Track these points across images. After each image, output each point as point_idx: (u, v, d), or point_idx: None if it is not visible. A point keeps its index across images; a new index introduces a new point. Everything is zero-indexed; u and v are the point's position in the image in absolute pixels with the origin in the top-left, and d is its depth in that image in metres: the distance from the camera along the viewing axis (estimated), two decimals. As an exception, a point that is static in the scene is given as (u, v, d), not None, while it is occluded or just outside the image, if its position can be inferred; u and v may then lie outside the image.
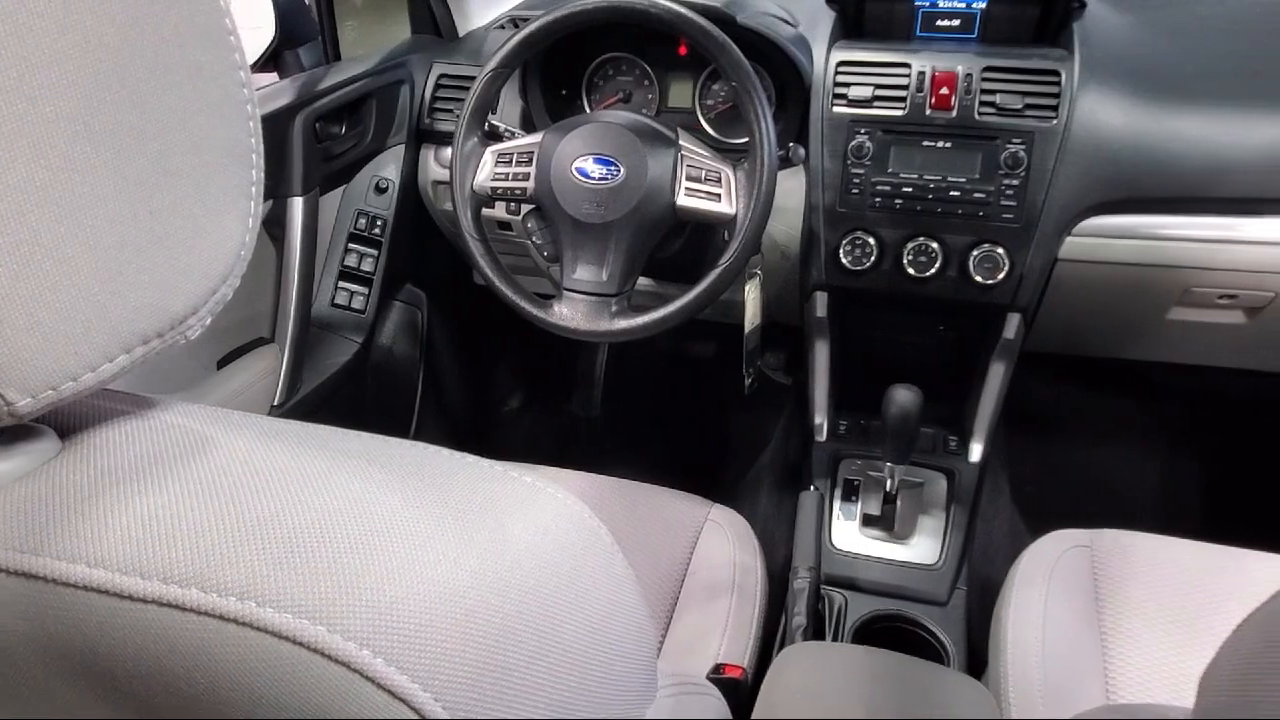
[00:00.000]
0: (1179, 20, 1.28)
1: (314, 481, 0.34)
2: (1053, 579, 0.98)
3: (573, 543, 0.39)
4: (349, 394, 1.37)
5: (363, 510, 0.34)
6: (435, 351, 1.58)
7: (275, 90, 1.24)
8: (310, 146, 1.20)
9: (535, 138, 1.11)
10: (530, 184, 1.10)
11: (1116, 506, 1.56)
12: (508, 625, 0.34)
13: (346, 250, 1.36)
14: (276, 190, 1.19)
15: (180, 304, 0.35)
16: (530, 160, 1.10)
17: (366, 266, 1.36)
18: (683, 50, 1.29)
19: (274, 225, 1.20)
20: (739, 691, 0.86)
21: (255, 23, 1.29)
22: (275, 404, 1.21)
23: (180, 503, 0.33)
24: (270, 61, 1.34)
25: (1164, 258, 1.13)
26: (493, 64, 1.09)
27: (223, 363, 1.19)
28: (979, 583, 1.22)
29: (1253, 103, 1.10)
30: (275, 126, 1.17)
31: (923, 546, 1.21)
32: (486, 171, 1.12)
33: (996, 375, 1.25)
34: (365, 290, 1.37)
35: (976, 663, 1.08)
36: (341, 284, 1.36)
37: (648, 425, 1.88)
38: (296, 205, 1.19)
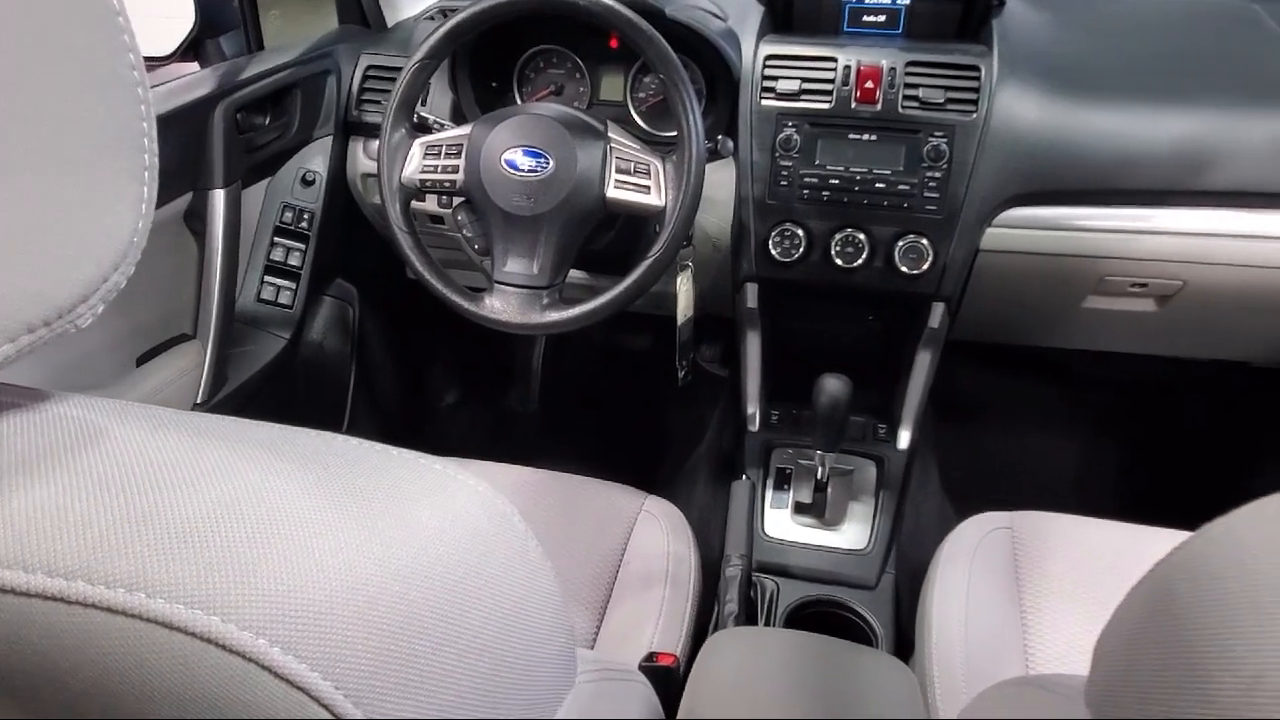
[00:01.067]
0: (1092, 18, 1.32)
1: (211, 471, 0.34)
2: (975, 560, 1.01)
3: (483, 529, 0.39)
4: (277, 391, 1.34)
5: (260, 499, 0.33)
6: (368, 347, 1.55)
7: (195, 80, 1.21)
8: (231, 137, 1.17)
9: (464, 130, 1.10)
10: (459, 176, 1.09)
11: (1040, 489, 1.61)
12: (413, 612, 0.34)
13: (272, 244, 1.33)
14: (196, 182, 1.15)
15: (68, 292, 0.34)
16: (459, 152, 1.10)
17: (294, 261, 1.34)
18: (614, 43, 1.29)
19: (194, 219, 1.17)
20: (671, 679, 0.87)
21: (172, 11, 1.25)
22: (198, 402, 1.18)
23: (68, 494, 0.32)
24: (190, 50, 1.31)
25: (1079, 248, 1.17)
26: (419, 55, 1.07)
27: (142, 360, 1.15)
28: (909, 566, 1.24)
29: (1161, 98, 1.14)
30: (194, 117, 1.14)
31: (852, 532, 1.23)
32: (415, 164, 1.10)
33: (923, 364, 1.28)
34: (292, 285, 1.34)
35: (906, 643, 1.11)
36: (268, 279, 1.33)
37: (585, 418, 1.88)
38: (218, 198, 1.16)
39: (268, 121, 1.27)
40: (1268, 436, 1.52)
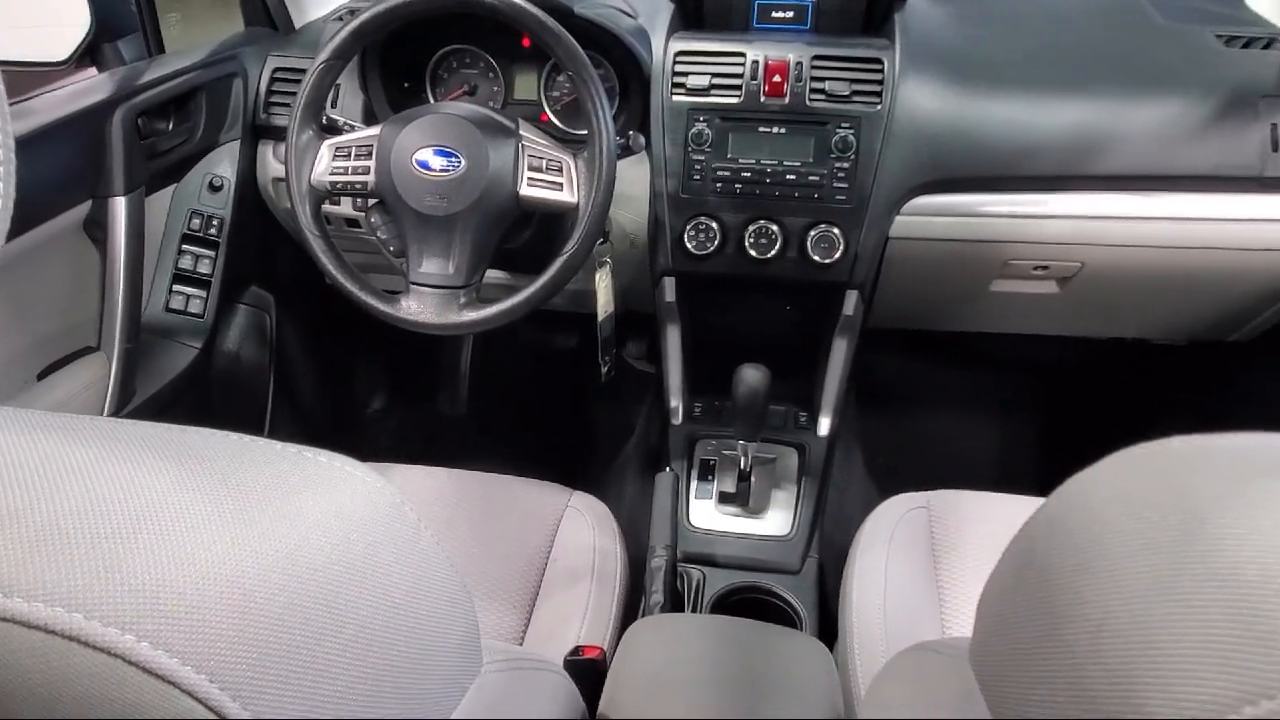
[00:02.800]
0: (989, 12, 1.37)
1: (78, 470, 0.33)
2: (894, 539, 1.04)
3: (369, 520, 0.39)
4: (191, 402, 1.31)
5: (130, 495, 0.33)
6: (287, 355, 1.52)
7: (91, 85, 1.17)
8: (132, 143, 1.14)
9: (374, 130, 1.10)
10: (371, 177, 1.08)
11: (958, 469, 1.65)
12: (293, 603, 0.34)
13: (180, 252, 1.30)
14: (96, 190, 1.12)
15: None
16: (370, 153, 1.09)
17: (203, 268, 1.31)
18: (526, 42, 1.29)
19: (95, 227, 1.14)
20: (597, 670, 0.88)
21: (66, 17, 1.21)
22: (105, 415, 1.14)
23: None
24: (87, 56, 1.27)
25: (984, 233, 1.21)
26: (324, 55, 1.06)
27: (44, 374, 1.12)
28: (834, 549, 1.27)
29: (1054, 88, 1.19)
30: (91, 123, 1.10)
31: (776, 519, 1.25)
32: (324, 165, 1.09)
33: (840, 351, 1.31)
34: (203, 293, 1.31)
35: (830, 624, 1.13)
36: (176, 287, 1.30)
37: (515, 419, 1.88)
38: (119, 205, 1.13)
39: (171, 126, 1.24)
40: (1165, 409, 1.59)
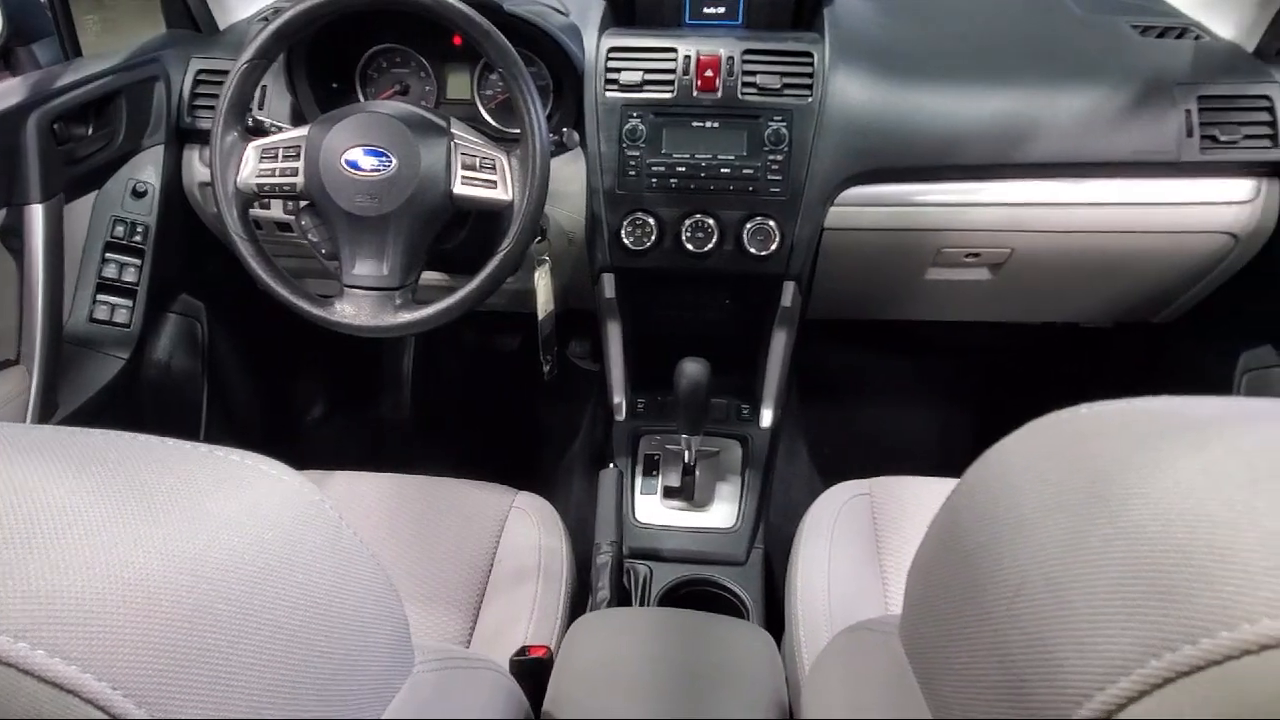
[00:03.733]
0: (916, 5, 1.39)
1: None
2: (837, 526, 1.05)
3: (286, 518, 0.38)
4: (120, 415, 1.27)
5: (23, 500, 0.31)
6: (220, 364, 1.49)
7: (3, 90, 1.13)
8: (48, 149, 1.10)
9: (300, 131, 1.07)
10: (299, 179, 1.06)
11: (902, 455, 1.68)
12: (203, 605, 0.33)
13: (104, 260, 1.26)
14: (10, 198, 1.08)
15: None
16: (297, 154, 1.07)
17: (129, 277, 1.27)
18: (457, 41, 1.27)
19: (10, 236, 1.10)
20: (543, 669, 0.87)
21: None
22: (27, 431, 1.10)
23: None
24: (1, 60, 1.22)
25: (916, 222, 1.23)
26: (246, 55, 1.04)
27: (-39, 390, 1.07)
28: (781, 539, 1.28)
29: (980, 78, 1.21)
30: (4, 128, 1.07)
31: (721, 512, 1.26)
32: (250, 168, 1.07)
33: (779, 342, 1.32)
34: (129, 302, 1.27)
35: (778, 613, 1.14)
36: (101, 297, 1.26)
37: (459, 422, 1.86)
38: (35, 213, 1.09)
39: (90, 131, 1.20)
40: (1095, 389, 1.63)
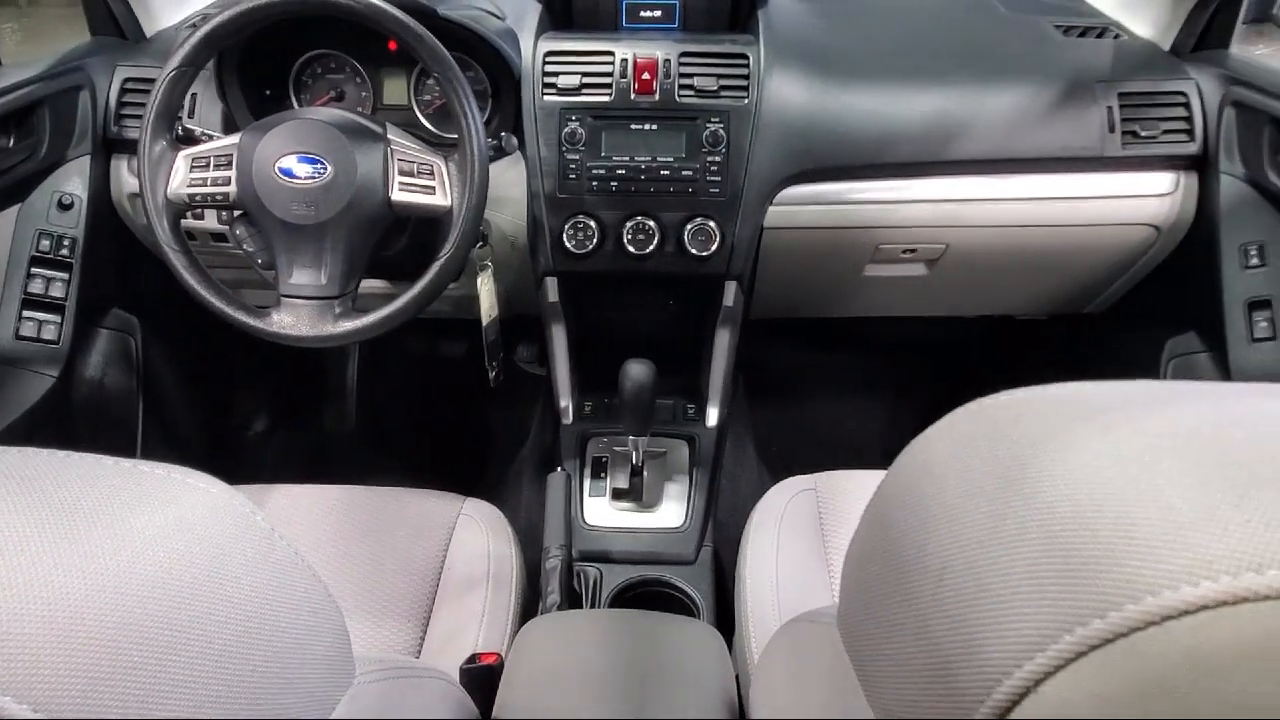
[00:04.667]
0: (849, 7, 1.42)
1: None
2: (783, 521, 1.06)
3: (214, 531, 0.38)
4: (51, 434, 1.23)
5: None
6: (157, 380, 1.45)
7: (-83, 101, 1.10)
8: (-34, 162, 1.07)
9: (232, 139, 1.06)
10: (232, 188, 1.05)
11: (848, 450, 1.71)
12: (128, 623, 0.32)
13: (29, 275, 1.22)
14: (-73, 212, 1.05)
15: None
16: (229, 163, 1.05)
17: (56, 292, 1.23)
18: (392, 46, 1.26)
19: (-71, 252, 1.06)
20: (494, 676, 0.87)
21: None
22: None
23: None
24: (-86, 71, 1.18)
25: (853, 220, 1.25)
26: (173, 63, 1.02)
27: (-121, 414, 1.03)
28: (730, 538, 1.29)
29: (913, 78, 1.24)
30: None
31: (670, 512, 1.27)
32: (180, 177, 1.05)
33: (723, 342, 1.33)
34: (57, 318, 1.23)
35: (728, 610, 1.15)
36: (27, 313, 1.22)
37: (406, 431, 1.84)
38: (-46, 228, 1.06)
39: (11, 143, 1.17)
40: (1031, 379, 1.67)
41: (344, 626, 0.46)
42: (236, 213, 1.12)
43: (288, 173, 1.03)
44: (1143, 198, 1.23)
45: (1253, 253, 1.14)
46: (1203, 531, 0.26)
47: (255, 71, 1.24)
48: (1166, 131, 1.21)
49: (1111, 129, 1.20)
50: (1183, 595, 0.26)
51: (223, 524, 0.38)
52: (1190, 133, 1.20)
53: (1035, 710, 0.29)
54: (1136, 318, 1.43)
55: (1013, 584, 0.30)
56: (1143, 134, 1.20)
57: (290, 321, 1.05)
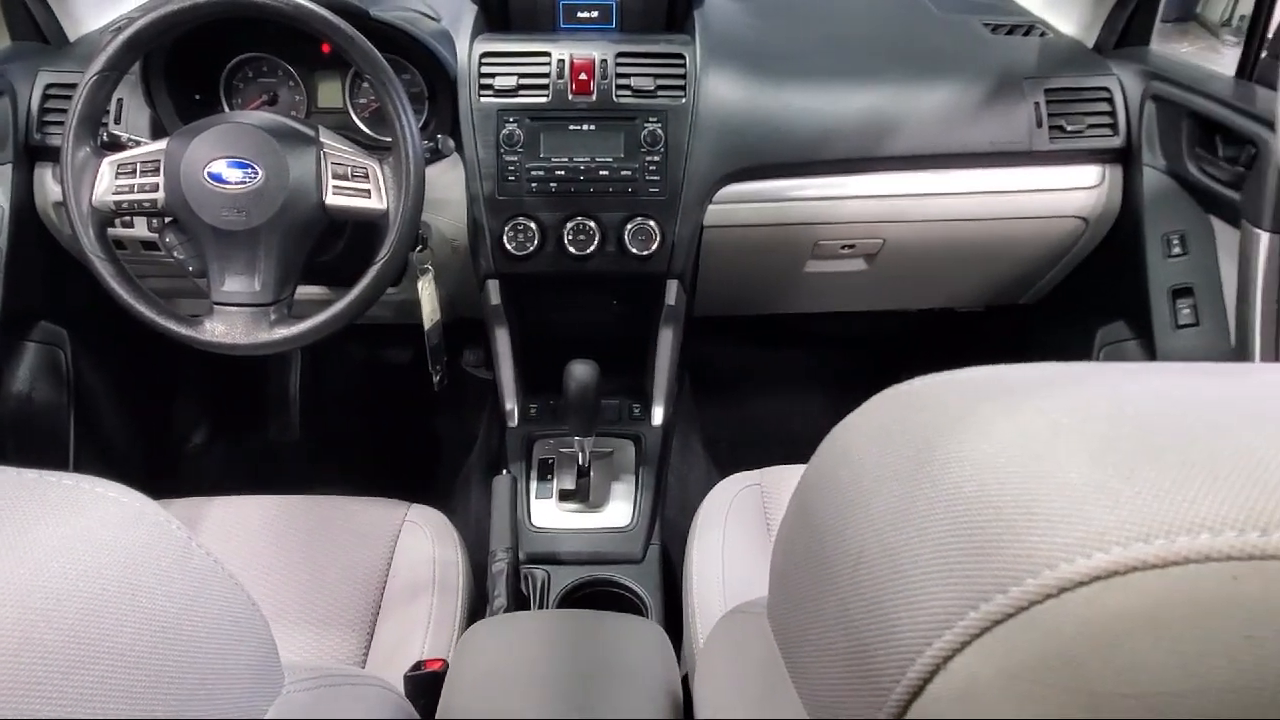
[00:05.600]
0: (784, 6, 1.43)
1: None
2: (729, 517, 1.07)
3: (125, 542, 0.37)
4: (-24, 452, 1.19)
5: None
6: (89, 395, 1.41)
7: None
8: (-122, 172, 1.03)
9: (159, 145, 1.03)
10: (160, 195, 1.02)
11: (794, 445, 1.72)
12: (31, 638, 0.31)
13: (-50, 289, 1.18)
14: None
15: None
16: (157, 169, 1.03)
17: (-22, 305, 1.19)
18: (326, 49, 1.25)
19: None
20: (440, 682, 0.86)
21: None
22: None
23: None
24: None
25: (792, 216, 1.26)
26: (96, 67, 0.99)
27: None
28: (679, 536, 1.30)
29: (847, 77, 1.26)
30: None
31: (617, 511, 1.27)
32: (106, 184, 1.02)
33: (666, 340, 1.33)
34: (-20, 332, 1.20)
35: (677, 607, 1.15)
36: (-52, 328, 1.18)
37: (352, 439, 1.81)
38: None
39: (-74, 152, 1.13)
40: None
41: (269, 635, 0.45)
42: (166, 220, 1.10)
43: (217, 178, 1.01)
44: (1071, 190, 1.26)
45: (1175, 242, 1.18)
46: (1096, 504, 0.27)
47: (183, 75, 1.22)
48: (1091, 126, 1.24)
49: (1039, 124, 1.23)
50: (1077, 567, 0.26)
51: (135, 534, 0.37)
52: (1114, 127, 1.24)
53: (945, 687, 0.29)
54: (1070, 308, 1.47)
55: (923, 564, 0.31)
56: (1069, 129, 1.23)
57: (223, 330, 1.03)
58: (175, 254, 1.10)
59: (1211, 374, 0.34)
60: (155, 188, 1.02)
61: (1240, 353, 1.04)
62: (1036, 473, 0.29)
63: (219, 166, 1.01)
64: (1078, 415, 0.31)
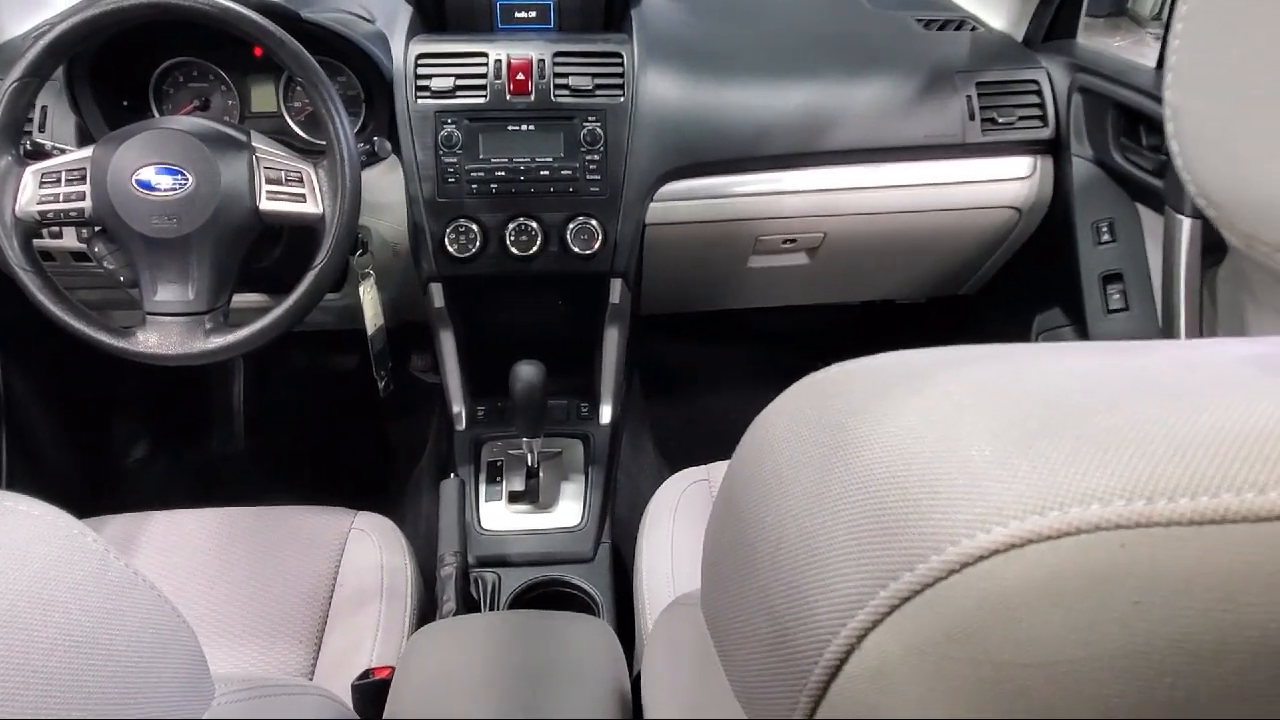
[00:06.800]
0: (721, 5, 1.44)
1: None
2: (678, 513, 1.07)
3: (38, 555, 0.36)
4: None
5: None
6: (20, 409, 1.37)
7: None
8: None
9: (85, 152, 1.01)
10: (87, 204, 1.00)
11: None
12: None
13: None
14: None
15: None
16: (83, 177, 1.00)
17: (-103, 322, 1.15)
18: (258, 52, 1.23)
19: None
20: (387, 690, 0.85)
21: None
22: None
23: None
24: None
25: (734, 212, 1.27)
26: (15, 73, 0.96)
27: None
28: (630, 533, 1.30)
29: (784, 73, 1.27)
30: None
31: (567, 511, 1.26)
32: (29, 194, 0.99)
33: (612, 339, 1.33)
34: (-100, 349, 1.15)
35: (629, 605, 1.15)
36: None
37: (299, 448, 1.78)
38: None
39: None
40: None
41: (197, 646, 0.45)
42: (95, 229, 1.07)
43: (146, 185, 0.99)
44: (1004, 181, 1.29)
45: (1104, 230, 1.21)
46: (995, 480, 0.28)
47: (111, 81, 1.19)
48: (1022, 118, 1.27)
49: (972, 116, 1.25)
50: (977, 542, 0.27)
51: (48, 548, 0.36)
52: (1044, 118, 1.27)
53: (860, 666, 0.30)
54: (1008, 297, 1.50)
55: (837, 546, 0.31)
56: (1000, 121, 1.26)
57: (157, 340, 1.01)
58: (105, 264, 1.08)
59: (1111, 352, 0.35)
60: (82, 196, 1.00)
61: (1167, 334, 1.07)
62: (941, 452, 0.30)
63: (147, 173, 0.99)
64: (983, 395, 0.32)
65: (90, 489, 1.54)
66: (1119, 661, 0.26)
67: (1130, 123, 1.18)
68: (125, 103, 1.22)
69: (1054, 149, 1.28)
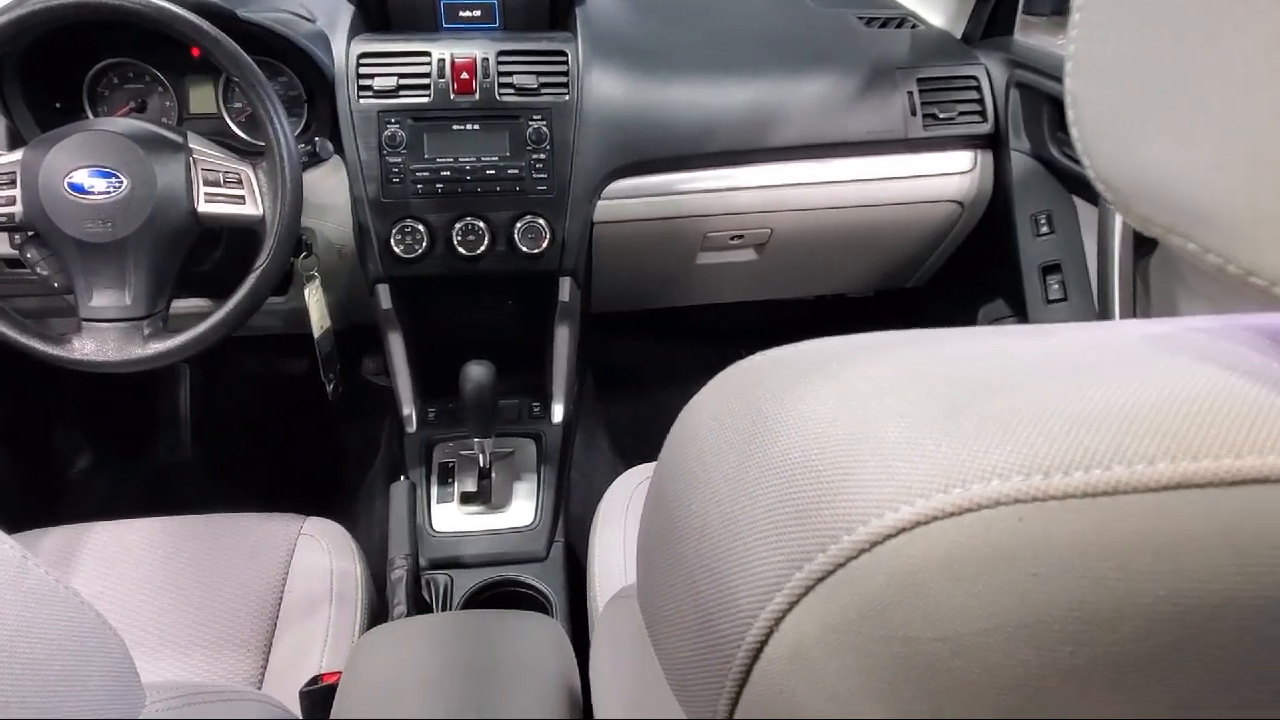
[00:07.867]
0: (665, 4, 1.45)
1: None
2: (630, 510, 1.07)
3: None
4: None
5: None
6: (-46, 422, 1.34)
7: None
8: None
9: (14, 155, 0.99)
10: (17, 208, 0.98)
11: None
12: None
13: None
14: None
15: None
16: (12, 181, 0.98)
17: None
18: (195, 52, 1.20)
19: None
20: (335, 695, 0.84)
21: None
22: None
23: None
24: None
25: (681, 209, 1.28)
26: None
27: None
28: (585, 531, 1.30)
29: (730, 70, 1.28)
30: None
31: (520, 510, 1.26)
32: None
33: (563, 337, 1.33)
34: None
35: (583, 603, 1.15)
36: None
37: (249, 455, 1.76)
38: None
39: None
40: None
41: (124, 653, 0.44)
42: (28, 234, 1.05)
43: (79, 188, 0.97)
44: (945, 176, 1.31)
45: (1042, 221, 1.24)
46: (905, 460, 0.28)
47: (42, 82, 1.16)
48: (962, 113, 1.29)
49: (913, 112, 1.27)
50: (886, 521, 0.28)
51: None
52: (983, 114, 1.29)
53: (779, 647, 0.30)
54: (954, 289, 1.52)
55: (757, 531, 0.32)
56: (941, 116, 1.28)
57: (94, 347, 0.99)
58: (38, 270, 1.05)
59: (1023, 335, 0.36)
60: (12, 201, 0.98)
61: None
62: (855, 435, 0.31)
63: (80, 176, 0.97)
64: (898, 378, 0.33)
65: (32, 502, 1.50)
66: (1020, 632, 0.26)
67: (1064, 116, 1.21)
68: (58, 104, 1.19)
69: (994, 143, 1.31)
